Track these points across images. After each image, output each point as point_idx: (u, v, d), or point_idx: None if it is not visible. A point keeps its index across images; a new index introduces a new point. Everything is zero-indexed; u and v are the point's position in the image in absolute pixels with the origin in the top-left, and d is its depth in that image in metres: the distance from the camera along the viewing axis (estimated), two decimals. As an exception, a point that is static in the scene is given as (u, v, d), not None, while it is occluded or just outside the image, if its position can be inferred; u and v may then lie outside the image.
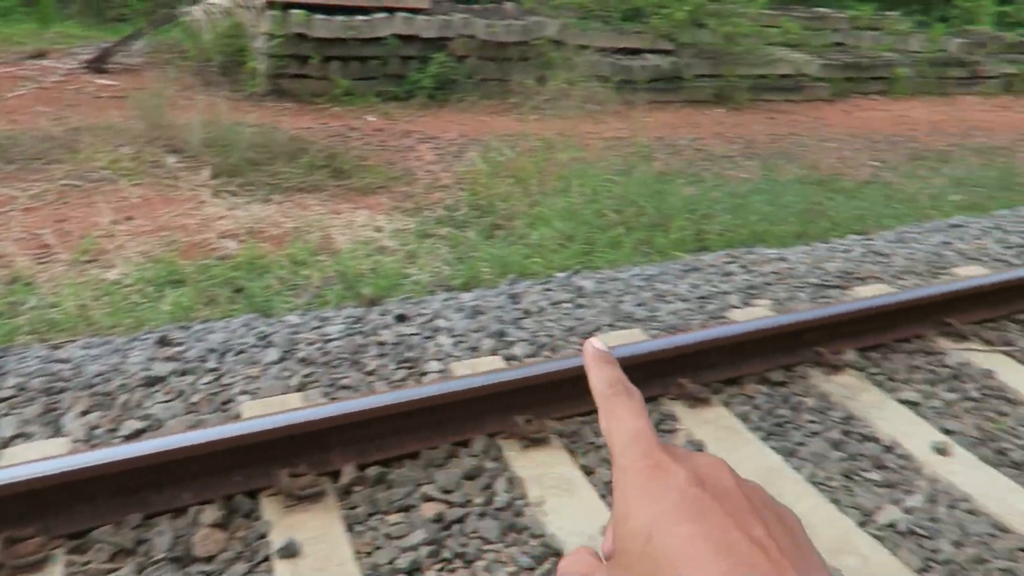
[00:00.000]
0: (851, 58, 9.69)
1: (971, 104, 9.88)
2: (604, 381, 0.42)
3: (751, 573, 0.32)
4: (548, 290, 3.31)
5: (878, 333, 3.00)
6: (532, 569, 1.91)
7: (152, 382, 2.50)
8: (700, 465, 0.38)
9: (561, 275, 3.59)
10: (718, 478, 0.37)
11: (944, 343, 3.05)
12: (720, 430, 2.48)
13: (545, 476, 2.19)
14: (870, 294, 3.28)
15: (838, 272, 3.60)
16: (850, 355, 2.88)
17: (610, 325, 3.02)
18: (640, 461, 0.38)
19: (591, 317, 3.06)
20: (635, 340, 2.80)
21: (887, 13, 10.94)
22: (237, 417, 2.31)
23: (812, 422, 2.55)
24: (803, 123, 8.41)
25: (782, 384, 2.74)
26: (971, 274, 3.54)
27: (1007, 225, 4.41)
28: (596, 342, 0.44)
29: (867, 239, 4.19)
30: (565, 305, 3.15)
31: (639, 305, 3.20)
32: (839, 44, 10.16)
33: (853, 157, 7.18)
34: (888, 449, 2.46)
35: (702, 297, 3.28)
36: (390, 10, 7.34)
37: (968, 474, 2.35)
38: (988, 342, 3.07)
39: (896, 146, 7.72)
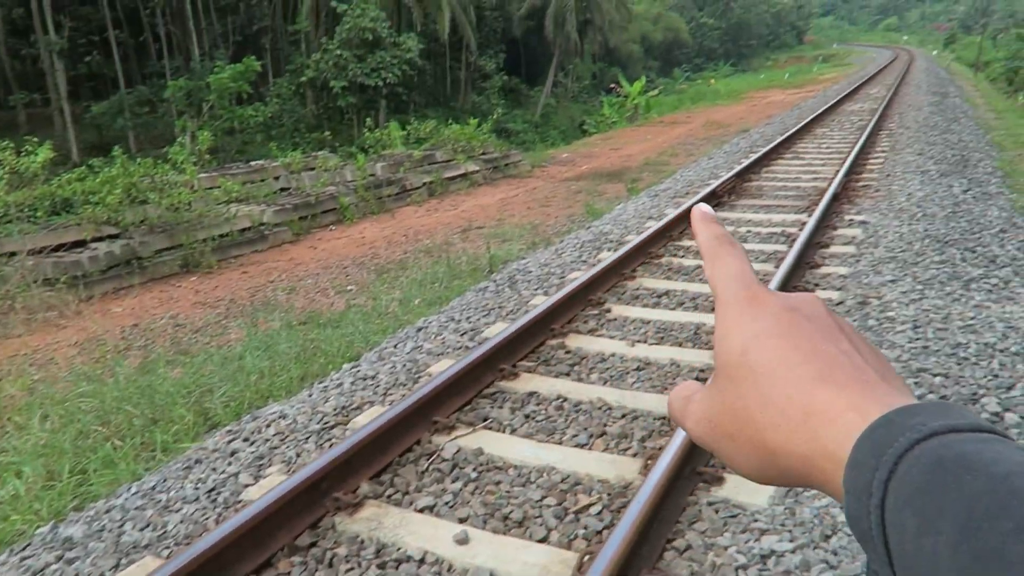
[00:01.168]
0: (299, 199, 10.50)
1: (409, 214, 11.52)
2: (710, 235, 0.46)
3: (837, 373, 0.37)
4: (26, 559, 2.78)
5: (383, 455, 3.22)
6: None
7: None
8: (794, 297, 0.42)
9: (44, 529, 3.05)
10: (810, 306, 0.41)
11: (438, 439, 3.42)
12: (266, 625, 2.36)
13: None
14: (366, 421, 3.51)
15: (335, 409, 3.78)
16: (365, 487, 3.02)
17: (115, 566, 2.66)
18: (740, 293, 0.42)
19: (89, 569, 2.66)
20: (146, 571, 2.51)
21: (315, 153, 12.19)
22: None
23: (350, 570, 2.60)
24: (277, 269, 8.76)
25: (313, 545, 2.74)
26: (442, 369, 4.06)
27: (457, 314, 5.19)
28: (703, 206, 0.48)
29: (355, 366, 4.50)
30: (51, 570, 2.68)
31: (144, 528, 2.89)
32: (284, 189, 10.93)
33: (330, 287, 7.72)
34: (421, 562, 2.63)
35: (212, 489, 3.12)
36: None
37: (486, 552, 2.64)
38: (470, 424, 3.53)
39: (363, 267, 8.53)
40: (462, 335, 4.73)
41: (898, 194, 8.36)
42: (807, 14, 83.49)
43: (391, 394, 3.93)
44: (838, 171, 9.38)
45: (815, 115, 16.82)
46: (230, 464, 3.32)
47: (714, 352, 0.42)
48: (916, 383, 3.76)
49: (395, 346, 4.71)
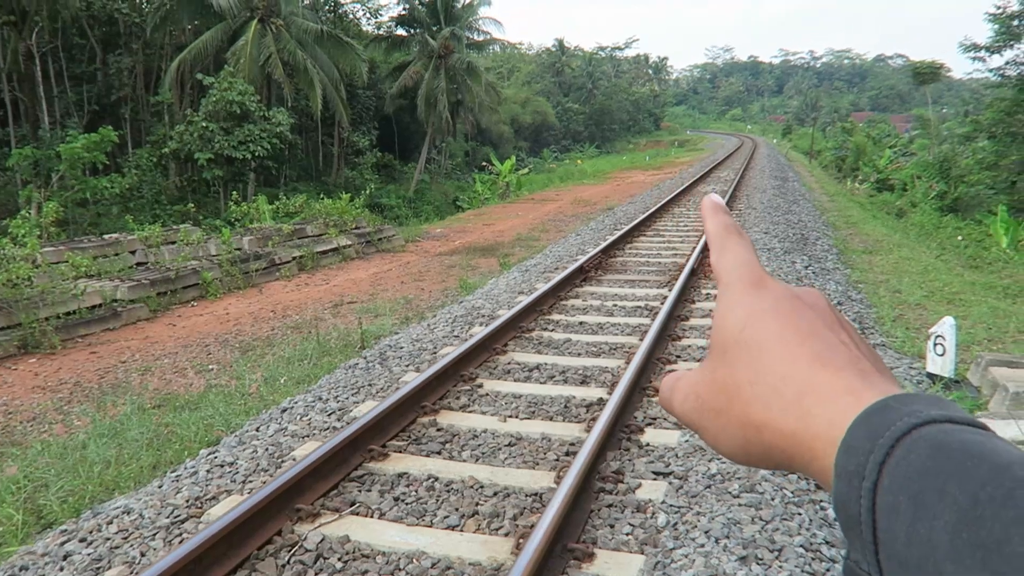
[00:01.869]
0: (158, 274, 9.95)
1: (278, 289, 11.16)
2: (719, 224, 0.47)
3: (834, 357, 0.36)
4: None
5: (239, 549, 3.00)
6: None
7: None
8: (798, 287, 0.42)
9: None
10: (813, 297, 0.41)
11: (301, 528, 3.24)
12: None
13: None
14: (222, 512, 3.28)
15: (188, 501, 3.51)
16: (219, 586, 2.80)
17: None
18: (744, 278, 0.42)
19: None
20: None
21: (177, 227, 11.66)
22: None
23: None
24: (130, 348, 8.19)
25: (157, 656, 2.49)
26: (307, 452, 3.88)
27: (325, 393, 5.01)
28: (714, 196, 0.48)
29: (213, 452, 4.22)
30: None
31: (-46, 651, 2.53)
32: (142, 264, 10.35)
33: (189, 367, 7.28)
34: (279, 666, 2.44)
35: (39, 600, 2.79)
36: None
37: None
38: (336, 510, 3.37)
39: (227, 344, 8.12)
40: (329, 415, 4.56)
41: (749, 269, 8.94)
42: (663, 103, 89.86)
43: (251, 481, 3.70)
44: (695, 248, 9.96)
45: (673, 195, 17.90)
46: (62, 570, 2.99)
47: (712, 330, 0.42)
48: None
49: (258, 429, 4.47)
